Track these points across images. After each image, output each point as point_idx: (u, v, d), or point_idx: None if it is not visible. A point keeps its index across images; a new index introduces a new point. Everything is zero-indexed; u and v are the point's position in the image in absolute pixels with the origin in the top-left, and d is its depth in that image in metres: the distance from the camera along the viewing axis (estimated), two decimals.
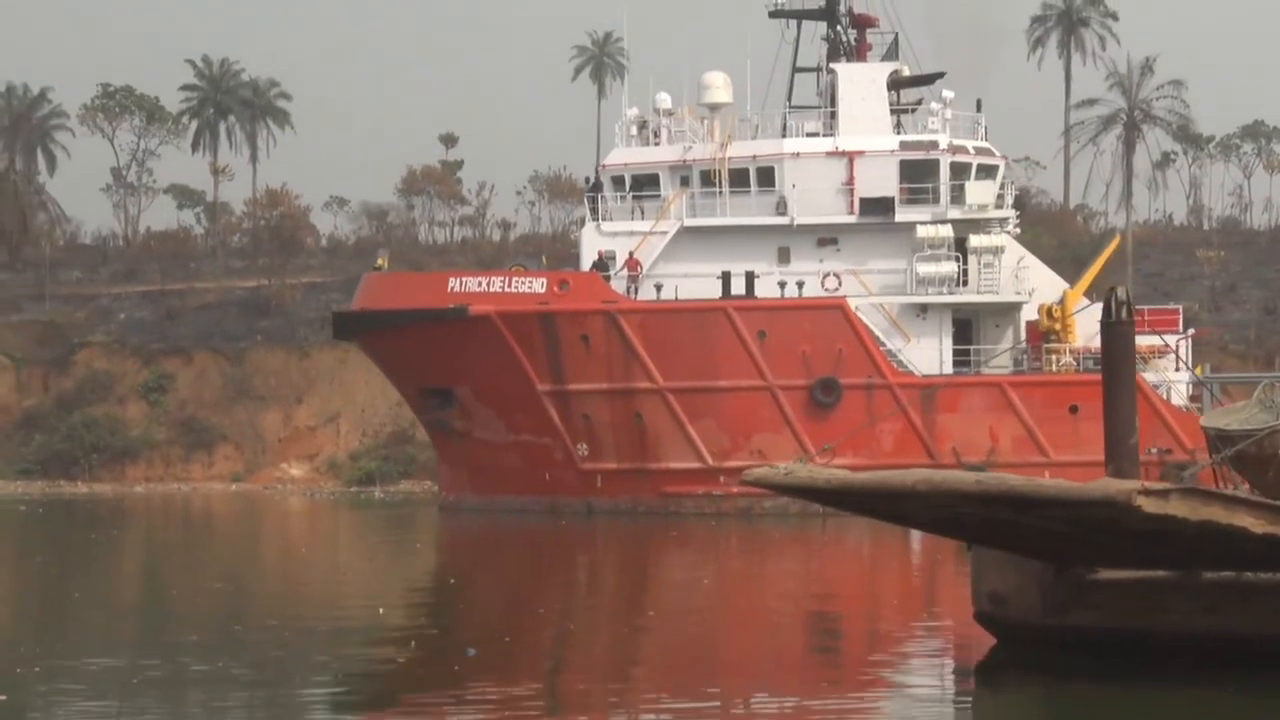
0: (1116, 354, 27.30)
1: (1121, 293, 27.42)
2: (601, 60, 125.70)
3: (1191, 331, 72.49)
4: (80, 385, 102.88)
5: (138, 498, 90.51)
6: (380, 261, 75.64)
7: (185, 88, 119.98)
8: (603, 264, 68.92)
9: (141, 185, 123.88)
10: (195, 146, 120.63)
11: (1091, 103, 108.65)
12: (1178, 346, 69.02)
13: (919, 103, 72.94)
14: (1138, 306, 74.17)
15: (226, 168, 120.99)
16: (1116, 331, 27.11)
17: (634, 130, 71.76)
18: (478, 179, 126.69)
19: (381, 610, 34.96)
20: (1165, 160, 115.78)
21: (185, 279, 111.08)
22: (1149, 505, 22.50)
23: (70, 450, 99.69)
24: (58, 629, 33.42)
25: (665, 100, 71.69)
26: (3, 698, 24.01)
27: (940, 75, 73.29)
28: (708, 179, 69.87)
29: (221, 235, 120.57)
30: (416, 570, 48.59)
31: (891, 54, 72.66)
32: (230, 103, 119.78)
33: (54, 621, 35.04)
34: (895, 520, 28.62)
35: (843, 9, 73.27)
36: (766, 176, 69.73)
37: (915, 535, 58.39)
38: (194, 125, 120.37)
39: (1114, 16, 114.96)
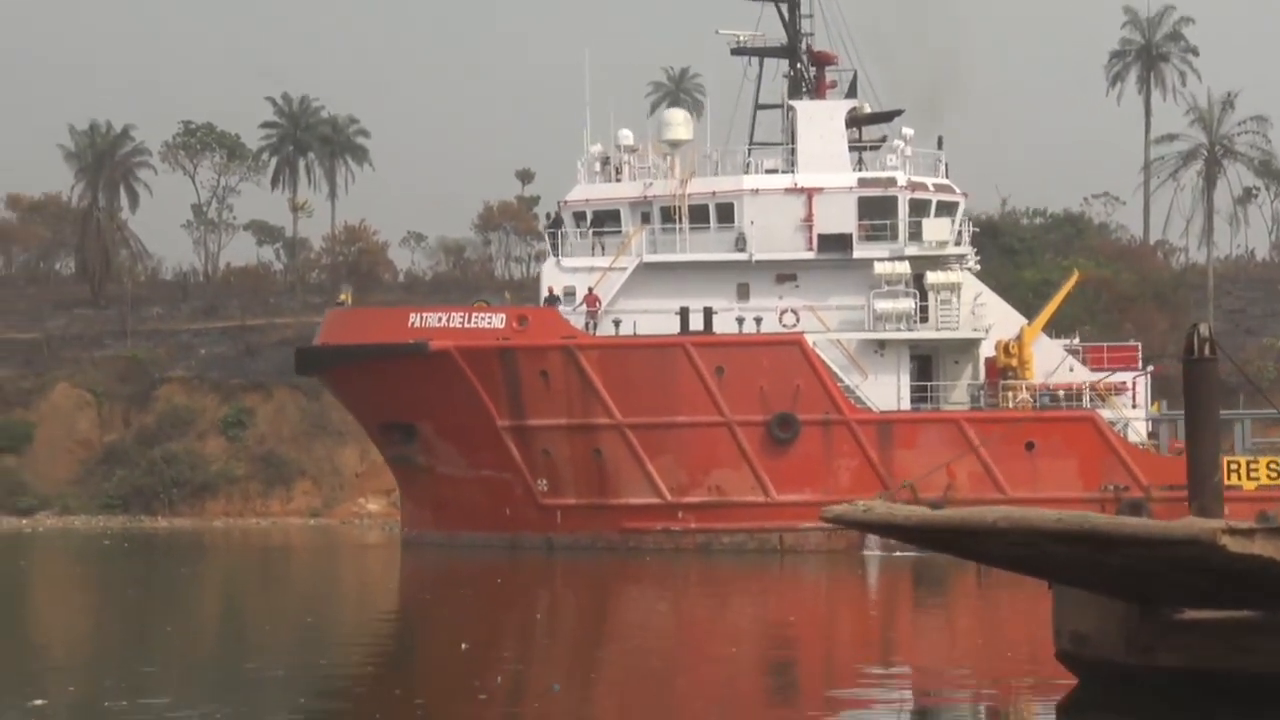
0: (1199, 392, 27.07)
1: (1204, 329, 27.19)
2: (677, 95, 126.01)
3: (1151, 368, 72.45)
4: (161, 420, 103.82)
5: (217, 532, 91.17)
6: (343, 296, 76.39)
7: (265, 125, 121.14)
8: (554, 300, 69.26)
9: (222, 221, 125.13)
10: (275, 183, 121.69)
11: (1172, 138, 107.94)
12: (1135, 383, 69.02)
13: (883, 139, 73.16)
14: (1093, 344, 74.57)
15: (306, 204, 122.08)
16: (1199, 369, 26.89)
17: (597, 167, 72.03)
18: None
19: (464, 646, 35.11)
20: (1247, 196, 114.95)
21: (264, 314, 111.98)
22: (1233, 545, 22.28)
23: (151, 485, 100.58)
24: (148, 664, 33.69)
25: (627, 137, 72.16)
26: None
27: (899, 112, 73.43)
28: (668, 215, 70.20)
29: (300, 271, 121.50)
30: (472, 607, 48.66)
31: (851, 92, 72.89)
32: (310, 139, 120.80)
33: (144, 656, 35.33)
34: (973, 558, 28.47)
35: (803, 46, 73.52)
36: (726, 213, 69.99)
37: (873, 572, 58.38)
38: (274, 162, 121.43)
39: (1194, 51, 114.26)
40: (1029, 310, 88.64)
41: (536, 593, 51.90)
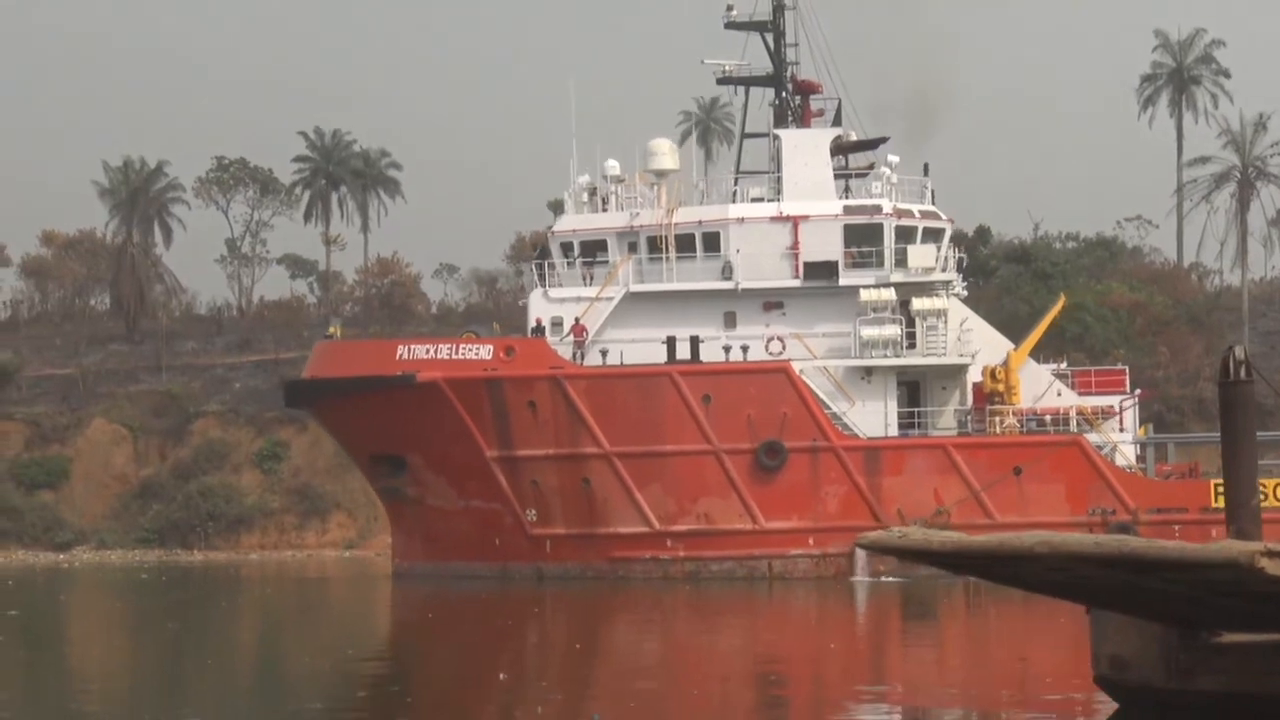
0: (1236, 415, 26.95)
1: (1240, 352, 27.08)
2: (709, 126, 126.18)
3: (1138, 392, 72.36)
4: (196, 454, 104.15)
5: (253, 565, 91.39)
6: (332, 330, 76.66)
7: (298, 159, 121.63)
8: (540, 330, 69.48)
9: (255, 256, 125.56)
10: (308, 217, 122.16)
11: (1204, 161, 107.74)
12: (1122, 408, 69.02)
13: (870, 167, 73.15)
14: (1081, 368, 74.81)
15: (338, 237, 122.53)
16: (1235, 392, 26.78)
17: (585, 197, 72.18)
18: None
19: (502, 676, 35.15)
20: None
21: (299, 348, 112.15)
22: (1272, 567, 22.17)
23: (187, 518, 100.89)
24: (190, 698, 33.77)
25: (614, 167, 72.24)
26: None
27: (884, 140, 73.54)
28: (654, 245, 70.36)
29: (334, 304, 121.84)
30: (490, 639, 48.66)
31: (836, 120, 72.99)
32: (342, 173, 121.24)
33: (186, 690, 35.41)
34: (1010, 583, 28.34)
35: (788, 75, 73.60)
36: (712, 242, 70.12)
37: (861, 598, 58.34)
38: (306, 196, 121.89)
39: (1226, 74, 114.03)
40: (1064, 331, 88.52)
41: (554, 622, 51.86)
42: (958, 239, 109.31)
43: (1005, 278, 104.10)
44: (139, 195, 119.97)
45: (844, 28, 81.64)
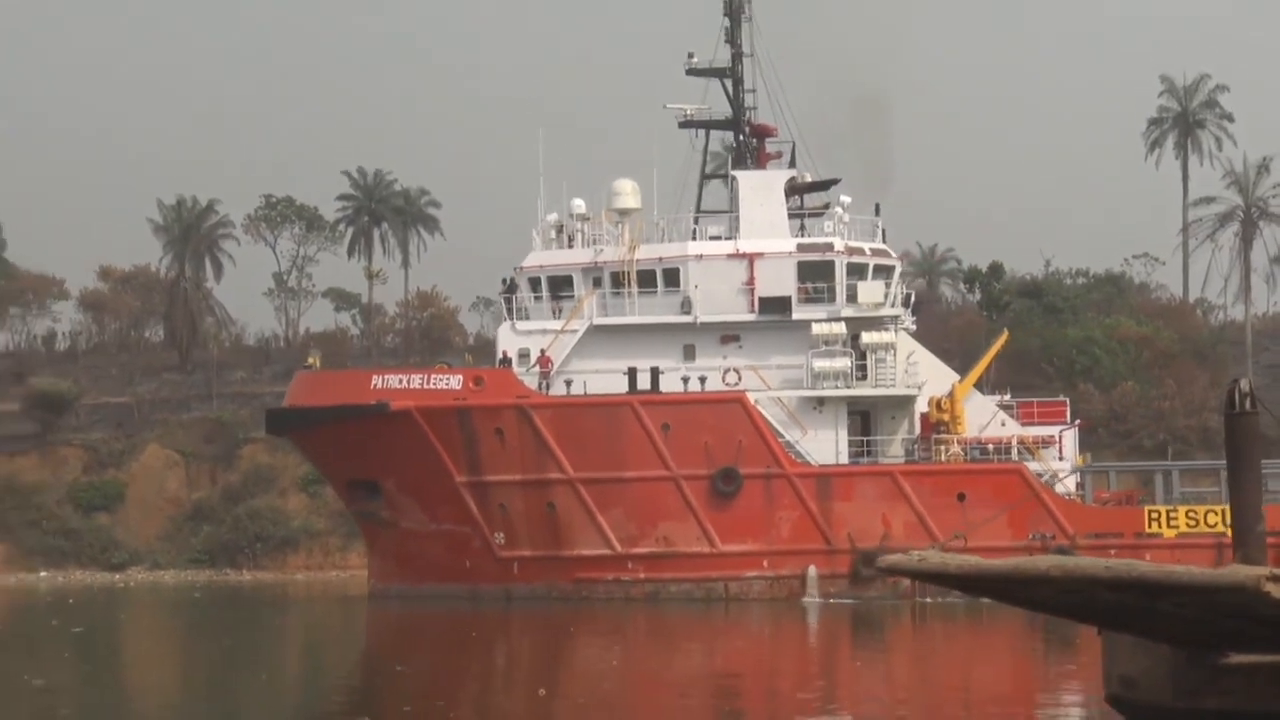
0: (1241, 445, 26.98)
1: (1245, 384, 27.12)
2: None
3: (1078, 422, 73.10)
4: (245, 479, 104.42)
5: (299, 585, 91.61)
6: (311, 360, 77.08)
7: (342, 197, 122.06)
8: (508, 361, 69.94)
9: (301, 289, 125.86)
10: (351, 252, 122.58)
11: (1209, 201, 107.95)
12: (1061, 437, 69.30)
13: (826, 207, 73.71)
14: (1024, 399, 75.93)
15: (380, 271, 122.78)
16: (1240, 423, 26.82)
17: (552, 234, 72.72)
18: None
19: (542, 691, 35.25)
20: None
21: None
22: (1277, 591, 22.19)
23: (236, 540, 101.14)
24: (249, 710, 33.91)
25: (580, 206, 72.91)
26: None
27: (835, 181, 74.17)
28: (618, 280, 70.88)
29: (376, 335, 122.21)
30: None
31: (791, 162, 73.49)
32: (384, 211, 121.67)
33: (243, 703, 35.56)
34: (1023, 605, 28.33)
35: (745, 119, 74.13)
36: (672, 277, 70.72)
37: (812, 618, 58.65)
38: (350, 232, 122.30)
39: (1230, 118, 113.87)
40: (1074, 364, 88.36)
41: (582, 641, 51.98)
42: (971, 275, 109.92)
43: (1017, 312, 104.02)
44: (191, 232, 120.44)
45: (805, 75, 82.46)
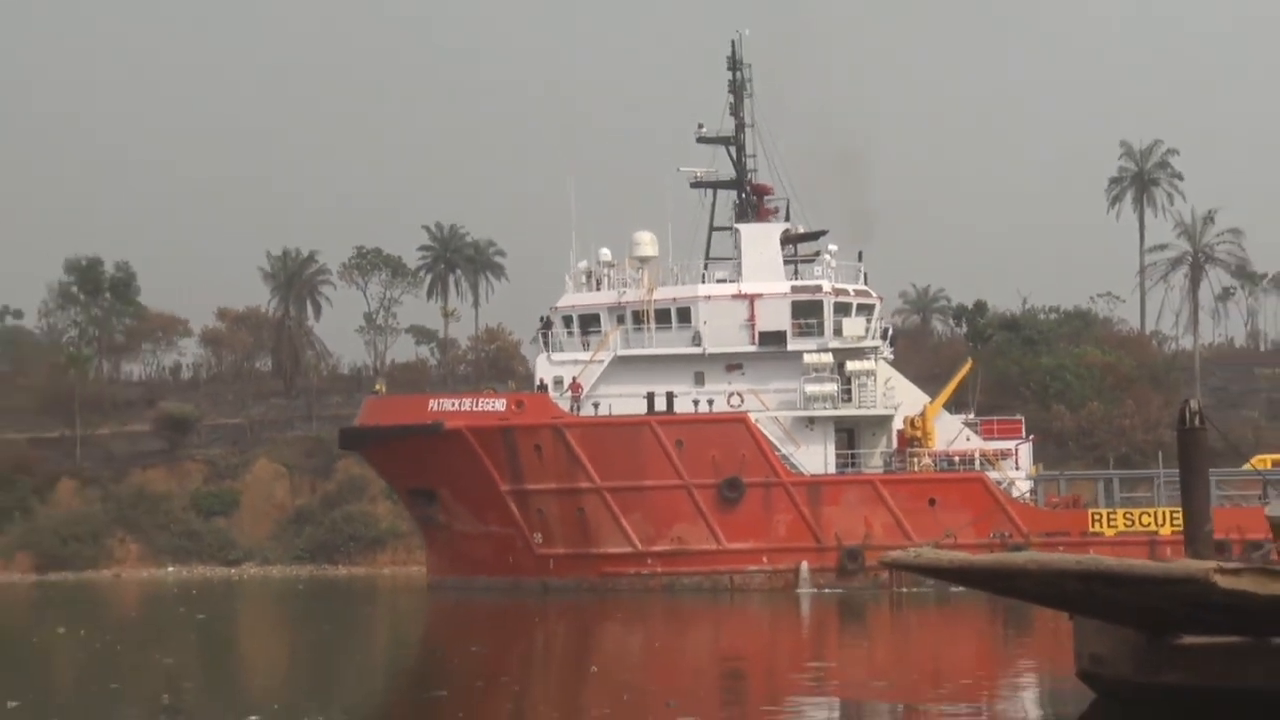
0: (1192, 456, 26.89)
1: (1194, 404, 27.08)
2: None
3: (1032, 437, 73.36)
4: (340, 488, 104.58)
5: (386, 579, 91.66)
6: (378, 386, 77.49)
7: (422, 248, 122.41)
8: (544, 387, 70.29)
9: (387, 326, 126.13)
10: (430, 294, 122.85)
11: (1162, 248, 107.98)
12: (1018, 450, 69.49)
13: (817, 254, 73.98)
14: (986, 418, 76.33)
15: (454, 311, 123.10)
16: (1191, 437, 26.73)
17: (582, 279, 73.11)
18: None
19: (594, 669, 35.20)
20: (1226, 294, 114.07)
21: None
22: (1224, 582, 22.11)
23: (332, 540, 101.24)
24: (346, 686, 33.94)
25: (606, 254, 73.29)
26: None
27: (823, 233, 74.66)
28: (638, 317, 71.07)
29: (450, 366, 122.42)
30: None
31: (785, 216, 73.87)
32: (457, 259, 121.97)
33: (341, 679, 35.61)
34: (1008, 594, 28.26)
35: (747, 180, 74.42)
36: (685, 315, 70.89)
37: (805, 606, 58.55)
38: (429, 278, 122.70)
39: (1180, 177, 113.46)
40: (1048, 388, 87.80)
41: (607, 627, 51.91)
42: (959, 311, 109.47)
43: (999, 343, 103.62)
44: (295, 278, 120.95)
45: (796, 137, 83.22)
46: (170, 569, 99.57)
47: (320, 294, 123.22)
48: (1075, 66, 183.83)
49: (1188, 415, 26.71)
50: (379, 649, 46.06)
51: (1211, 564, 22.49)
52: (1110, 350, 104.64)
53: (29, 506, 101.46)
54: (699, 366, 70.42)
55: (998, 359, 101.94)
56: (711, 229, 74.77)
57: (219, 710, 28.58)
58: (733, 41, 74.32)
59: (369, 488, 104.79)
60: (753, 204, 74.18)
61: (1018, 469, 69.67)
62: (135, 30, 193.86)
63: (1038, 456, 74.02)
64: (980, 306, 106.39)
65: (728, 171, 74.63)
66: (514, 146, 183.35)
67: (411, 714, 27.81)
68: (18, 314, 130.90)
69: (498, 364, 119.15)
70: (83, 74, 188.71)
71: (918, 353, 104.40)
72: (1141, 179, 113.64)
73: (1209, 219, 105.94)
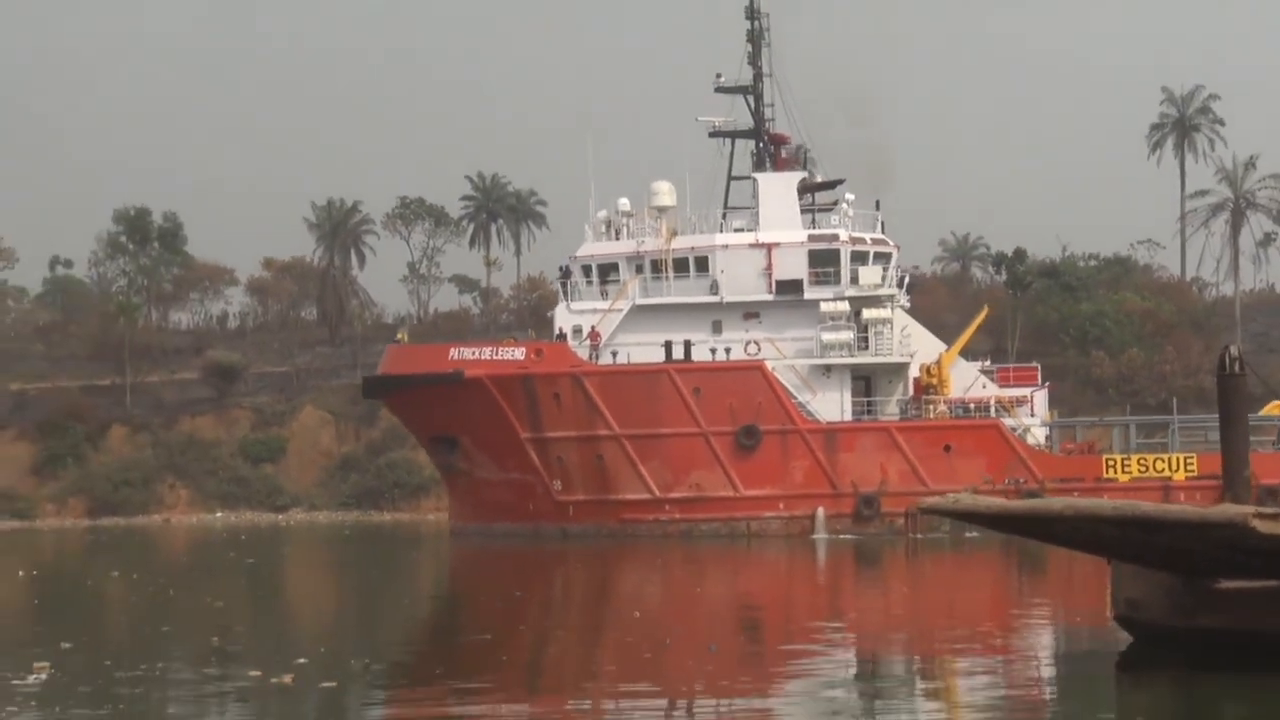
0: (1231, 402, 26.84)
1: (1234, 350, 26.99)
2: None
3: (1048, 384, 73.07)
4: (385, 435, 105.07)
5: (430, 524, 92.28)
6: (400, 335, 77.59)
7: (464, 198, 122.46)
8: (563, 336, 70.41)
9: (430, 276, 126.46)
10: (472, 244, 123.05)
11: (1203, 194, 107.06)
12: (1033, 397, 69.49)
13: (835, 203, 73.61)
14: (1002, 365, 76.17)
15: (496, 260, 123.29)
16: (1230, 384, 26.67)
17: (602, 228, 72.95)
18: None
19: (637, 614, 35.45)
20: (1267, 240, 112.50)
21: None
22: (1263, 526, 22.10)
23: (378, 487, 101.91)
24: (392, 630, 34.31)
25: (625, 204, 73.13)
26: (333, 684, 24.76)
27: (840, 181, 74.29)
28: (656, 266, 70.90)
29: (492, 315, 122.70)
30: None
31: (803, 164, 73.53)
32: (499, 209, 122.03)
33: (387, 624, 35.99)
34: (1045, 539, 28.31)
35: (765, 129, 74.08)
36: (702, 264, 70.74)
37: (821, 552, 58.66)
38: (471, 227, 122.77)
39: (1221, 122, 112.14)
40: (1087, 334, 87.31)
41: (640, 574, 52.22)
42: (998, 259, 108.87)
43: (1038, 290, 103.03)
44: (339, 228, 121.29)
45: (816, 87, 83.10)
46: (219, 514, 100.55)
47: (364, 244, 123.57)
48: (1117, 12, 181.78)
49: (1228, 361, 26.63)
50: (422, 593, 46.47)
51: (1250, 509, 22.48)
52: (1150, 296, 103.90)
53: (81, 453, 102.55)
54: (716, 315, 70.50)
55: (1038, 306, 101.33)
56: (730, 178, 74.74)
57: (268, 653, 28.97)
58: None
59: (412, 436, 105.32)
60: (770, 153, 74.07)
61: (1033, 415, 69.67)
62: None
63: (1075, 402, 73.83)
64: (1020, 254, 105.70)
65: (745, 121, 74.43)
66: (548, 97, 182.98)
67: (458, 657, 28.11)
68: (68, 264, 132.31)
69: (539, 313, 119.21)
70: (131, 24, 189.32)
71: (957, 299, 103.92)
72: (1183, 125, 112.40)
73: (1250, 165, 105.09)
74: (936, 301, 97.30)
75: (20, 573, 52.25)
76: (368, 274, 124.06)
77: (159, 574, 51.63)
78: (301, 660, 26.98)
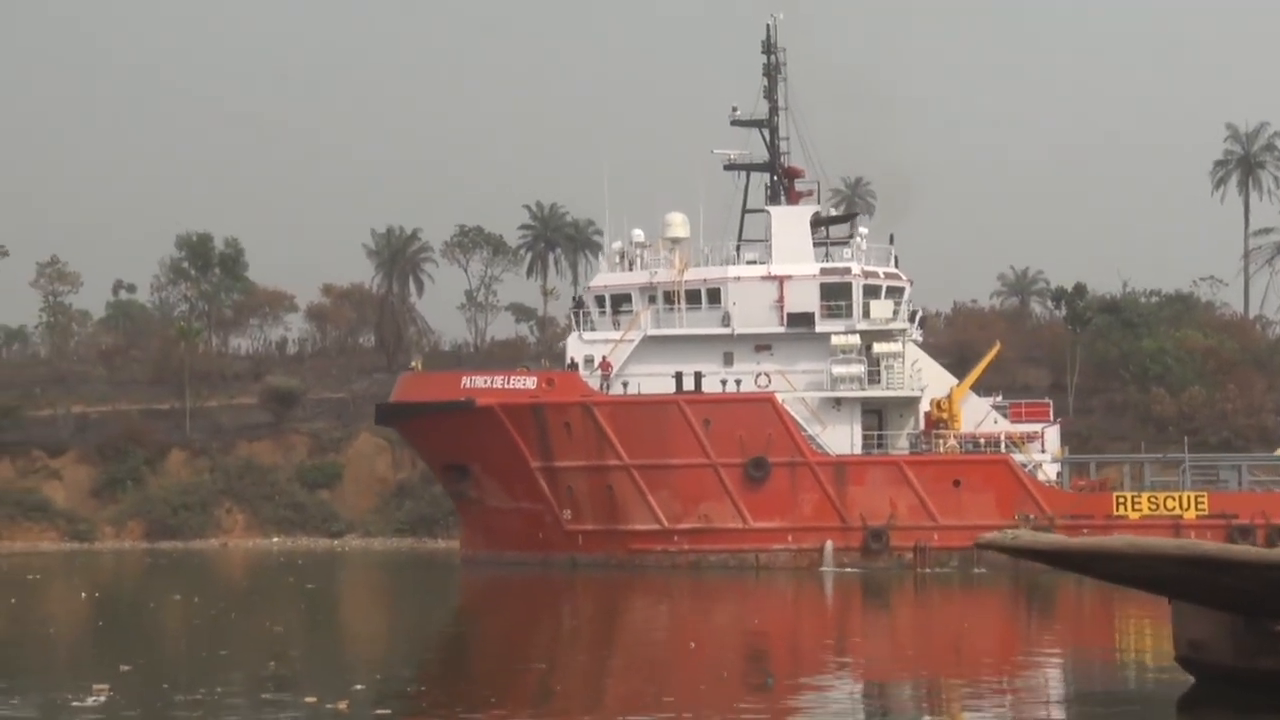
0: None
1: None
2: (853, 200, 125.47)
3: (1060, 420, 72.78)
4: None
5: None
6: (414, 364, 77.71)
7: (522, 227, 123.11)
8: (574, 366, 70.37)
9: (488, 304, 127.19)
10: (529, 273, 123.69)
11: (1267, 231, 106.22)
12: (1044, 433, 69.10)
13: (850, 237, 73.65)
14: (1013, 401, 76.20)
15: (554, 289, 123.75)
16: None
17: (616, 259, 73.23)
18: None
19: (693, 645, 35.38)
20: None
21: None
22: None
23: (432, 513, 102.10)
24: (446, 658, 34.34)
25: (639, 235, 73.35)
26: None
27: (855, 215, 74.97)
28: (669, 298, 71.02)
29: (549, 343, 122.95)
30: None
31: (817, 199, 73.88)
32: (557, 238, 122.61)
33: (439, 652, 36.06)
34: (1104, 578, 28.03)
35: (779, 163, 74.14)
36: (714, 295, 70.84)
37: (829, 585, 58.29)
38: (529, 256, 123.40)
39: None
40: (1148, 371, 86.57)
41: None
42: (1058, 294, 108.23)
43: (1099, 326, 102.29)
44: (398, 256, 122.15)
45: (831, 123, 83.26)
46: (275, 539, 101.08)
47: (423, 271, 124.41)
48: (1180, 47, 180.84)
49: None
50: (477, 621, 46.58)
51: None
52: (1212, 334, 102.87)
53: (140, 476, 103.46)
54: (728, 347, 70.67)
55: (1098, 342, 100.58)
56: (744, 211, 74.86)
57: (324, 679, 29.13)
58: (768, 25, 74.43)
59: None
60: (785, 186, 74.18)
61: (1044, 451, 69.47)
62: (249, 8, 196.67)
63: (1135, 439, 73.22)
64: (1079, 289, 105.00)
65: (760, 154, 74.67)
66: (607, 127, 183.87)
67: (518, 686, 28.14)
68: (131, 288, 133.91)
69: None
70: (202, 55, 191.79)
71: (1016, 334, 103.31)
72: (1247, 162, 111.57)
73: None
74: (996, 336, 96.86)
75: (83, 594, 52.80)
76: (426, 301, 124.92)
77: (219, 598, 52.01)
78: (359, 686, 27.11)
